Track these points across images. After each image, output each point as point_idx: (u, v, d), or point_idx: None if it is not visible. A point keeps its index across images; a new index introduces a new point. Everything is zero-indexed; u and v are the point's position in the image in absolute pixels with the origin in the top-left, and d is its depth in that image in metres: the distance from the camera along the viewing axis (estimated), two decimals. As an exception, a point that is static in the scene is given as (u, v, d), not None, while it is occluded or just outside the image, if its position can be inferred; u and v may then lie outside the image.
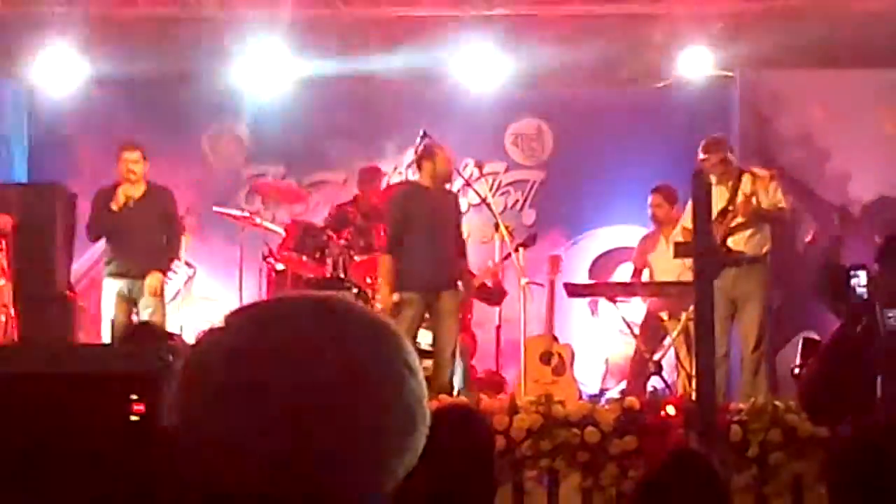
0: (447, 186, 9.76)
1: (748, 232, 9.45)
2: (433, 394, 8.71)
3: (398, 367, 1.46)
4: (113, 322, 9.70)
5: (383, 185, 11.42)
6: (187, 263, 10.76)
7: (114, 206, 9.72)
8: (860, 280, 4.58)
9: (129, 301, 9.79)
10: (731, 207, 9.39)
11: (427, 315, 9.24)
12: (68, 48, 11.07)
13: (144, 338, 5.97)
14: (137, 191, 9.88)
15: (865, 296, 4.51)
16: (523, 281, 9.80)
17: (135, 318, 9.68)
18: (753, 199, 9.44)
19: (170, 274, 10.72)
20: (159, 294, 9.85)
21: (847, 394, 4.42)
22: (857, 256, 9.23)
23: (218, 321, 1.50)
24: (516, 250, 10.12)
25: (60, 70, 11.26)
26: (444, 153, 9.44)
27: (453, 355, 9.22)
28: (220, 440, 1.40)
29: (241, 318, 1.49)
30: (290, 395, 1.40)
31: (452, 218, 9.45)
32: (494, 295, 10.56)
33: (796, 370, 8.81)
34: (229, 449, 1.40)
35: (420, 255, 9.17)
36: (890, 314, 4.51)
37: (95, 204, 9.97)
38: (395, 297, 9.17)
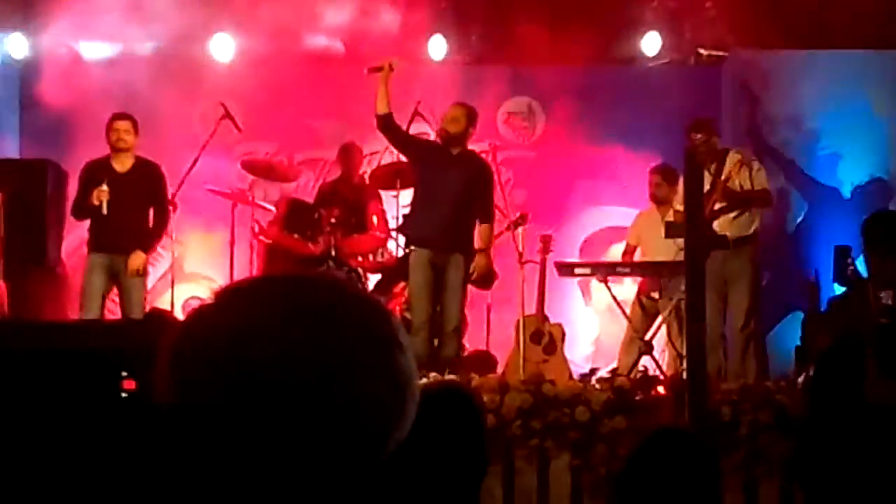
0: (475, 151, 9.85)
1: (733, 213, 9.45)
2: (436, 367, 8.74)
3: (387, 343, 1.47)
4: (86, 292, 9.51)
5: (373, 163, 11.44)
6: (178, 240, 10.72)
7: (95, 202, 9.47)
8: (852, 260, 4.63)
9: (110, 276, 9.58)
10: (714, 190, 9.39)
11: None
12: (58, 23, 11.02)
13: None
14: (125, 165, 9.70)
15: (851, 275, 4.55)
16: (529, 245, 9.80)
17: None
18: (736, 182, 9.45)
19: (159, 250, 10.65)
20: (142, 273, 9.69)
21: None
22: (847, 238, 9.29)
23: (208, 298, 1.50)
24: (507, 229, 10.10)
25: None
26: (451, 111, 9.56)
27: (456, 330, 9.24)
28: (210, 416, 1.41)
29: (232, 295, 1.50)
30: (280, 372, 1.40)
31: (469, 184, 9.41)
32: (485, 278, 10.54)
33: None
34: (220, 425, 1.40)
35: (430, 213, 9.22)
36: (882, 294, 4.54)
37: (83, 179, 9.74)
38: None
